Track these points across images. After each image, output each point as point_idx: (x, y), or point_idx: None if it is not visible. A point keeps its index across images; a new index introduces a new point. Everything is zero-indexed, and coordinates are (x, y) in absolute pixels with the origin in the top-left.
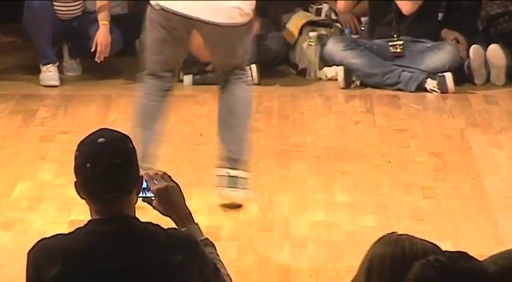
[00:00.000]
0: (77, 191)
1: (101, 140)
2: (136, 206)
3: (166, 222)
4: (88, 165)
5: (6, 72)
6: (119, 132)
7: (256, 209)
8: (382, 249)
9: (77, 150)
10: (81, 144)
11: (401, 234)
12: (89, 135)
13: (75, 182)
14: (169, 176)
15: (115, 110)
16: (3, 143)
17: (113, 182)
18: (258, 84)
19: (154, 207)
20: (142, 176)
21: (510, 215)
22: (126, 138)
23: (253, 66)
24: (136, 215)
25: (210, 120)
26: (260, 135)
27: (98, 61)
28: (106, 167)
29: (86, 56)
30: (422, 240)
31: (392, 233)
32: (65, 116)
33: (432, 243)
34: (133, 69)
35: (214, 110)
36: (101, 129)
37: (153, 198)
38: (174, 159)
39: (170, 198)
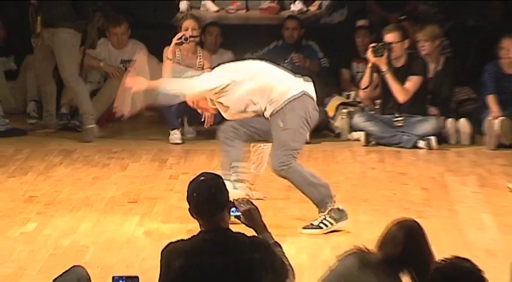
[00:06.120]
0: (190, 213)
1: (201, 178)
2: (229, 221)
3: (250, 232)
4: (195, 195)
5: (148, 135)
6: (214, 173)
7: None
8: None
9: (188, 186)
10: (191, 182)
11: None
12: (196, 176)
13: (189, 208)
14: (251, 201)
15: (217, 159)
16: (146, 180)
17: (211, 205)
18: (309, 142)
19: (241, 222)
20: (231, 201)
21: (475, 230)
22: (219, 177)
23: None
24: (230, 227)
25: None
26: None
27: (206, 127)
28: (206, 196)
29: (198, 124)
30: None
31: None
32: (185, 163)
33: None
34: None
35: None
36: (203, 172)
37: (240, 216)
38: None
39: (252, 216)
